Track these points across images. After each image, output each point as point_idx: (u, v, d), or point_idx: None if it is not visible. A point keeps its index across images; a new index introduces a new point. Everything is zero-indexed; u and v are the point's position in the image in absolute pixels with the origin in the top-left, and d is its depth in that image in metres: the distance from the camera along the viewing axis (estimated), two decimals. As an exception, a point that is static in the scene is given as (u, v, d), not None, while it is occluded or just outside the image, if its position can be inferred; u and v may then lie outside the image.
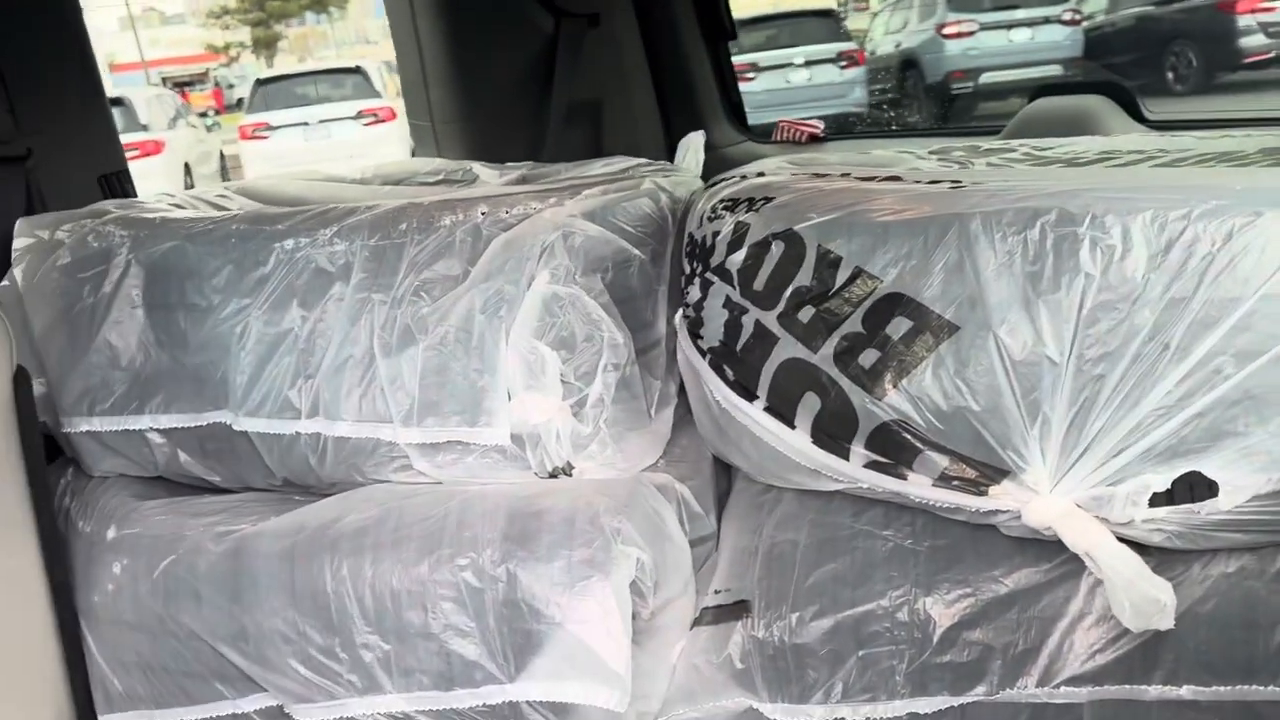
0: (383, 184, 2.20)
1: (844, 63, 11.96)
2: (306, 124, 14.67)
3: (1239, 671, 1.20)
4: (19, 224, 1.68)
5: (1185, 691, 1.21)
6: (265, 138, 14.60)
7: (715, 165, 2.06)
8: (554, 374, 1.44)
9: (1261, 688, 1.19)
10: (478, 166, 2.24)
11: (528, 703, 1.31)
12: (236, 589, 1.37)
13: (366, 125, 14.71)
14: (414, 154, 2.90)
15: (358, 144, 13.90)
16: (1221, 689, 1.20)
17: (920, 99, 11.71)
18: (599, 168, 2.02)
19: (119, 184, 2.19)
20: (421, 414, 1.42)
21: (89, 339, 1.53)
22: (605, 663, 1.29)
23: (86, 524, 1.49)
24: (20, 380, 1.37)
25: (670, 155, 2.82)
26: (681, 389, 1.64)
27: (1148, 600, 1.07)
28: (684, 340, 1.57)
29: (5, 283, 1.60)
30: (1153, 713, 1.22)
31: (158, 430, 1.53)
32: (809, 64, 11.77)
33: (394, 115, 14.69)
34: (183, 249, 1.51)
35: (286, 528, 1.39)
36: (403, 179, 2.25)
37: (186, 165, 14.20)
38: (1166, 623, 1.08)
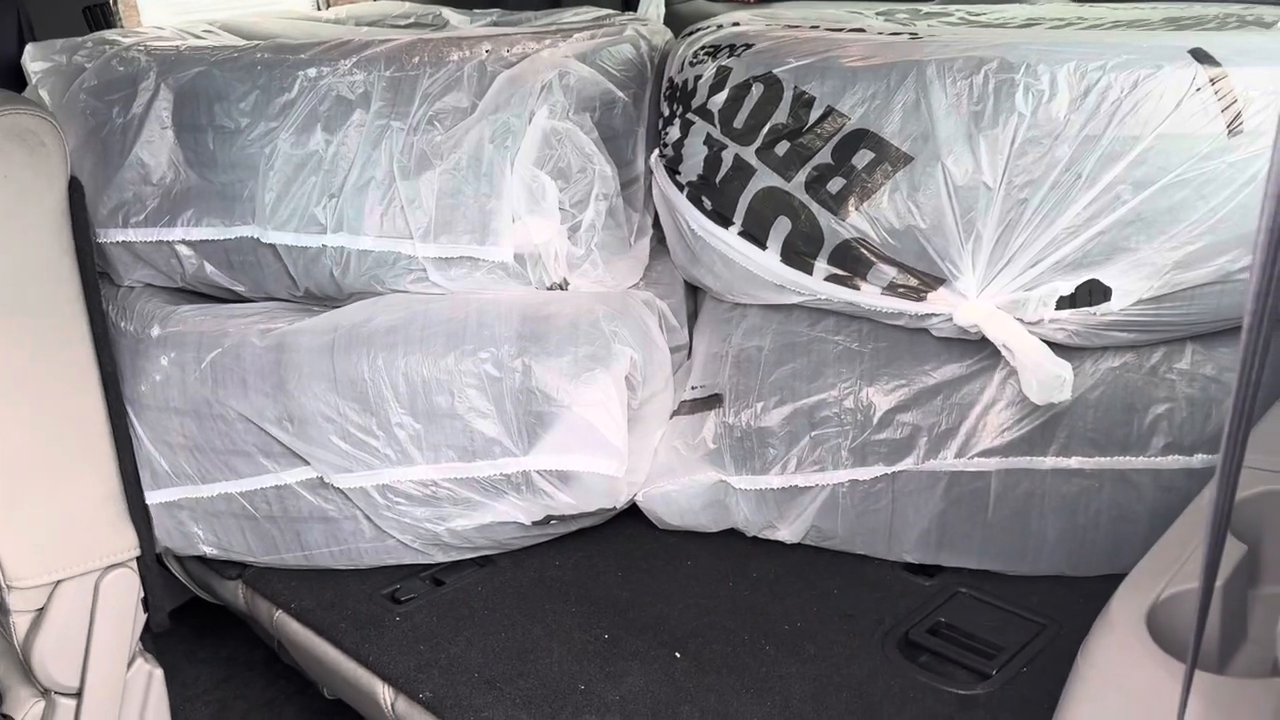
0: (357, 24, 2.31)
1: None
2: (207, -32, 13.87)
3: (1117, 446, 1.49)
4: (31, 48, 1.78)
5: (1074, 462, 1.51)
6: (163, -19, 13.81)
7: (669, 21, 2.22)
8: (553, 200, 1.63)
9: (1134, 458, 1.49)
10: (447, 11, 2.35)
11: (538, 471, 1.55)
12: (281, 377, 1.56)
13: (271, -28, 13.98)
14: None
15: (263, -9, 13.29)
16: (1103, 460, 1.50)
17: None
18: (570, 16, 2.17)
19: (103, 15, 2.25)
20: (438, 231, 1.61)
21: (121, 157, 1.65)
22: (606, 438, 1.53)
23: (129, 324, 1.65)
24: (74, 188, 1.50)
25: (624, 8, 2.95)
26: (656, 221, 1.86)
27: (1052, 377, 1.34)
28: (661, 176, 1.77)
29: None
30: (1047, 479, 1.52)
31: (187, 242, 1.68)
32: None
33: (301, -38, 14.03)
34: (210, 74, 1.63)
35: (323, 325, 1.58)
36: (375, 20, 2.35)
37: (79, 8, 13.39)
38: (1065, 394, 1.36)
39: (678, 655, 1.46)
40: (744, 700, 1.37)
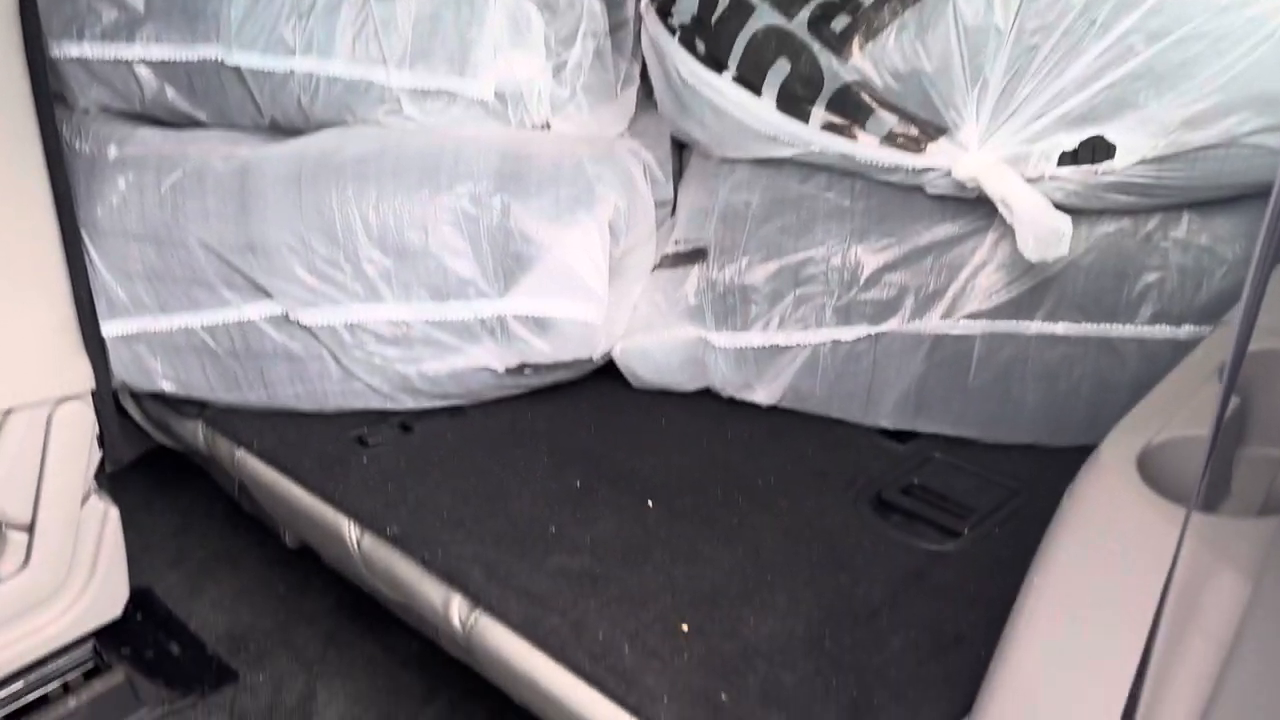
0: None
1: None
2: None
3: (1105, 313, 1.47)
4: None
5: (1060, 328, 1.48)
6: None
7: None
8: (538, 34, 1.55)
9: (1121, 326, 1.47)
10: None
11: (514, 316, 1.50)
12: (244, 203, 1.48)
13: None
14: None
15: None
16: (1089, 326, 1.48)
17: None
18: None
19: None
20: (414, 59, 1.52)
21: (76, -39, 1.54)
22: (586, 283, 1.48)
23: (84, 144, 1.56)
24: (25, -8, 1.39)
25: None
26: (644, 74, 1.78)
27: (1050, 231, 1.31)
28: (651, 21, 1.69)
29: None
30: (1031, 345, 1.49)
31: (147, 63, 1.58)
32: None
33: None
34: (174, -126, 1.52)
35: (290, 152, 1.50)
36: None
37: None
38: (1063, 249, 1.32)
39: (649, 504, 1.44)
40: (715, 546, 1.35)
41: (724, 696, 1.11)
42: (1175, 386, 1.14)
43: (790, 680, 1.13)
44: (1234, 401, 1.09)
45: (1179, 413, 1.07)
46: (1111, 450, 1.04)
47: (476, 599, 1.27)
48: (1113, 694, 0.80)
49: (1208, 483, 1.04)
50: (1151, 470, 1.01)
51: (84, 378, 1.57)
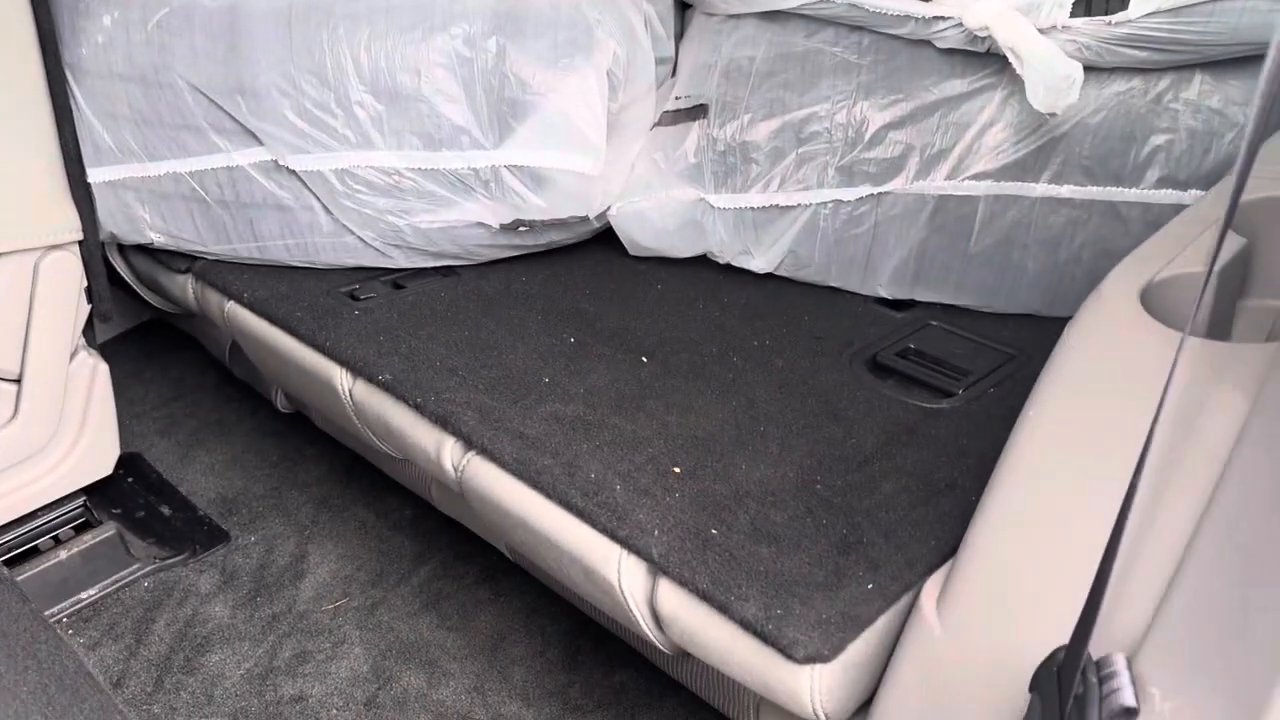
0: None
1: None
2: None
3: (1111, 176, 1.45)
4: None
5: (1065, 190, 1.46)
6: None
7: None
8: (536, -126, 1.49)
9: (1126, 190, 1.45)
10: None
11: (509, 167, 1.47)
12: (233, 42, 1.44)
13: None
14: None
15: None
16: (1095, 190, 1.45)
17: None
18: None
19: None
20: (408, -103, 1.46)
21: None
22: (584, 133, 1.44)
23: (67, -19, 1.51)
24: None
25: None
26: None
27: (1060, 78, 1.28)
28: None
29: None
30: (1035, 208, 1.47)
31: (129, -102, 1.52)
32: None
33: None
34: None
35: (280, -10, 1.45)
36: None
37: None
38: (1073, 96, 1.29)
39: (644, 360, 1.43)
40: (709, 399, 1.34)
41: (714, 531, 1.11)
42: (1180, 230, 1.12)
43: (780, 519, 1.13)
44: (1239, 243, 1.08)
45: (1183, 253, 1.06)
46: (1114, 285, 1.02)
47: (469, 442, 1.26)
48: (1105, 510, 0.79)
49: (1209, 324, 1.03)
50: (1154, 304, 0.99)
51: (71, 227, 1.54)
